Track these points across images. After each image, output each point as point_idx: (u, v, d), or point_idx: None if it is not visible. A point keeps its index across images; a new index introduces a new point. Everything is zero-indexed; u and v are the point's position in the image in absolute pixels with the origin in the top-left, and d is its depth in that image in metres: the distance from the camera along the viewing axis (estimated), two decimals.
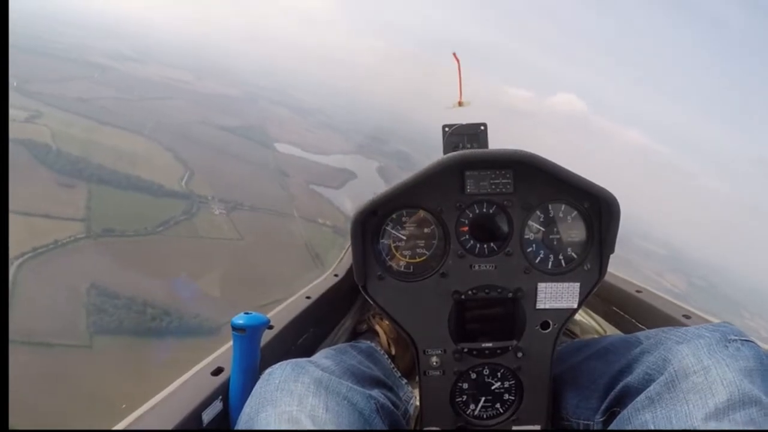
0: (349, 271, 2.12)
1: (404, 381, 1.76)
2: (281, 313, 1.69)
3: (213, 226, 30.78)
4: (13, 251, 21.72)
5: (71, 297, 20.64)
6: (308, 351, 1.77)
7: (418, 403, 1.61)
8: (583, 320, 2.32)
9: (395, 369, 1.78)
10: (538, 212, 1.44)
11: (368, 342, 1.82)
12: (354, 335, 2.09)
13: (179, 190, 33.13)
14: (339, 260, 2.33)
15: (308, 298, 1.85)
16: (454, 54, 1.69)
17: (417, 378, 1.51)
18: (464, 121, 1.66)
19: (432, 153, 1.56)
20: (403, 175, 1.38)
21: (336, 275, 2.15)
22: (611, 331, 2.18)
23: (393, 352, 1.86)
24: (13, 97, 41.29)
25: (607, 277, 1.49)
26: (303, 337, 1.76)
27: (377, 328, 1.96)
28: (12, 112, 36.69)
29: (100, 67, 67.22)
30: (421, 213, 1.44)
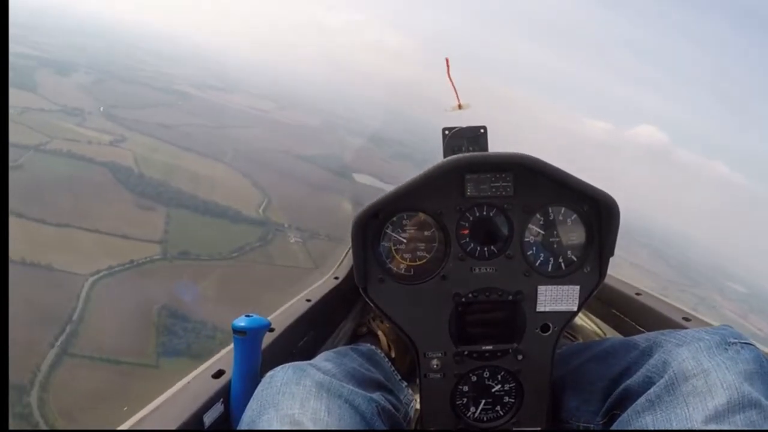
0: (349, 274, 2.22)
1: (404, 384, 1.82)
2: (282, 315, 1.77)
3: (288, 254, 31.13)
4: (89, 268, 22.78)
5: (142, 316, 21.19)
6: (309, 353, 1.82)
7: (418, 406, 1.67)
8: (583, 323, 2.39)
9: (395, 372, 1.84)
10: (538, 215, 1.50)
11: (368, 345, 1.88)
12: (354, 338, 2.17)
13: (256, 216, 33.81)
14: (339, 263, 2.41)
15: (308, 300, 1.93)
16: (447, 60, 1.75)
17: (417, 380, 1.57)
18: (465, 124, 1.74)
19: None
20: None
21: (336, 278, 2.23)
22: (611, 333, 2.25)
23: (393, 354, 1.92)
24: (99, 122, 44.08)
25: (606, 280, 1.54)
26: (303, 339, 1.82)
27: (377, 330, 2.02)
28: (97, 136, 39.09)
29: (185, 94, 70.78)
30: (422, 216, 1.51)
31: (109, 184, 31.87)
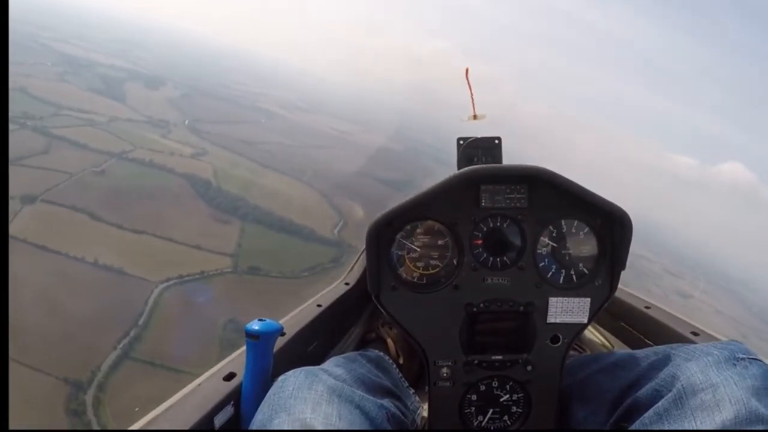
0: (360, 280, 2.26)
1: (411, 391, 1.83)
2: (293, 320, 1.78)
3: None
4: (159, 275, 23.55)
5: (207, 328, 21.48)
6: (318, 358, 1.84)
7: (425, 414, 1.74)
8: (591, 335, 2.41)
9: (403, 378, 1.85)
10: (551, 227, 1.53)
11: (377, 351, 1.90)
12: (363, 343, 2.18)
13: (330, 237, 34.03)
14: (350, 269, 2.41)
15: (319, 306, 1.94)
16: (467, 71, 1.82)
17: (425, 388, 1.60)
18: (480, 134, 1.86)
19: None
20: None
21: (347, 284, 2.24)
22: (619, 346, 2.25)
23: (401, 361, 1.94)
24: (183, 134, 46.09)
25: (616, 293, 1.57)
26: (313, 344, 1.84)
27: (386, 337, 2.04)
28: (179, 147, 40.89)
29: (270, 113, 73.05)
30: (436, 225, 1.54)
31: (187, 195, 33.03)
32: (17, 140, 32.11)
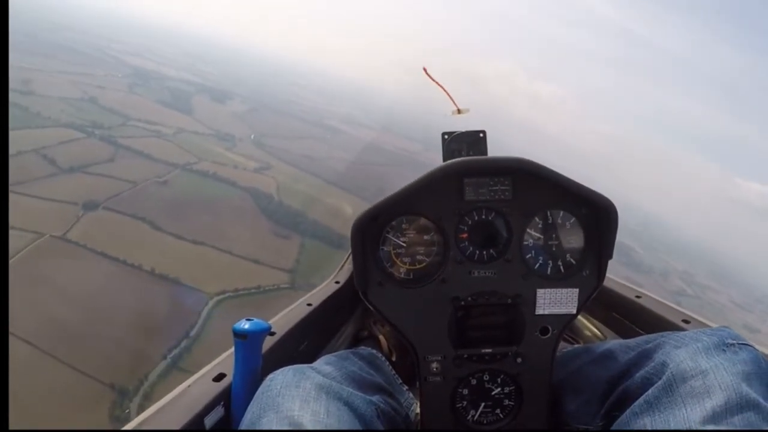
0: (350, 278, 2.27)
1: (405, 387, 1.86)
2: (283, 319, 1.80)
3: None
4: (215, 287, 23.84)
5: None
6: (310, 357, 1.78)
7: (418, 410, 1.71)
8: (583, 326, 2.42)
9: (396, 375, 1.88)
10: (536, 219, 1.55)
11: (369, 348, 1.91)
12: (355, 342, 2.19)
13: None
14: (340, 267, 2.43)
15: (309, 305, 1.96)
16: (425, 70, 1.83)
17: (418, 384, 1.61)
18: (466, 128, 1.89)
19: None
20: None
21: (337, 282, 2.26)
22: (611, 336, 2.27)
23: (394, 358, 1.95)
24: (248, 148, 47.30)
25: (606, 283, 1.64)
26: (304, 343, 1.86)
27: (378, 334, 2.05)
28: (243, 161, 41.89)
29: (335, 129, 74.15)
30: (421, 220, 1.54)
31: (249, 208, 33.54)
32: (84, 148, 33.46)
